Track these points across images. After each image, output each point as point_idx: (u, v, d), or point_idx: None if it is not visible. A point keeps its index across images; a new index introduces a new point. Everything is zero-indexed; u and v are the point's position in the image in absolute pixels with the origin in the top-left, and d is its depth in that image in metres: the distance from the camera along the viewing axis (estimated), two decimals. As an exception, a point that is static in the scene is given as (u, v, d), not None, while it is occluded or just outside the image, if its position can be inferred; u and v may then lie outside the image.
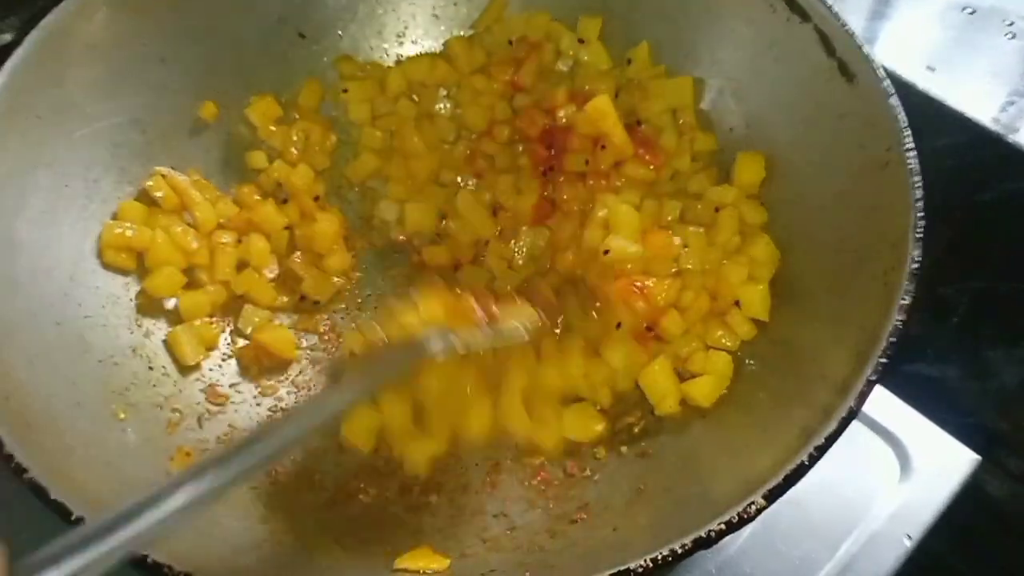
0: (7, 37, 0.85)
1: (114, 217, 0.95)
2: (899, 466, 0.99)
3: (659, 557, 0.64)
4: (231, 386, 0.96)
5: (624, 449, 0.90)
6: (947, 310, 1.17)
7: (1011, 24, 1.13)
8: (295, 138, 1.06)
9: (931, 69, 1.09)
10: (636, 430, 0.91)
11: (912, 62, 1.11)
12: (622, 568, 0.63)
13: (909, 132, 0.81)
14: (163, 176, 0.98)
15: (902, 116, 0.82)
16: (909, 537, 0.94)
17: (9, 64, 0.84)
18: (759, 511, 0.66)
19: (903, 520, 0.95)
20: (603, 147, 1.00)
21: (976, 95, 1.09)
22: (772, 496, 0.66)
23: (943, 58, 1.12)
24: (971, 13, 1.14)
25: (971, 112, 1.07)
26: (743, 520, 0.65)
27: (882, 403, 1.01)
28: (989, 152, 1.07)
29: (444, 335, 0.79)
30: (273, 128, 1.06)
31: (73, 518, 0.65)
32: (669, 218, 0.98)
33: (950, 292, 1.15)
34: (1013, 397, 1.15)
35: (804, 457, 0.67)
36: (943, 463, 0.99)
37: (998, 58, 1.12)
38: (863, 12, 1.19)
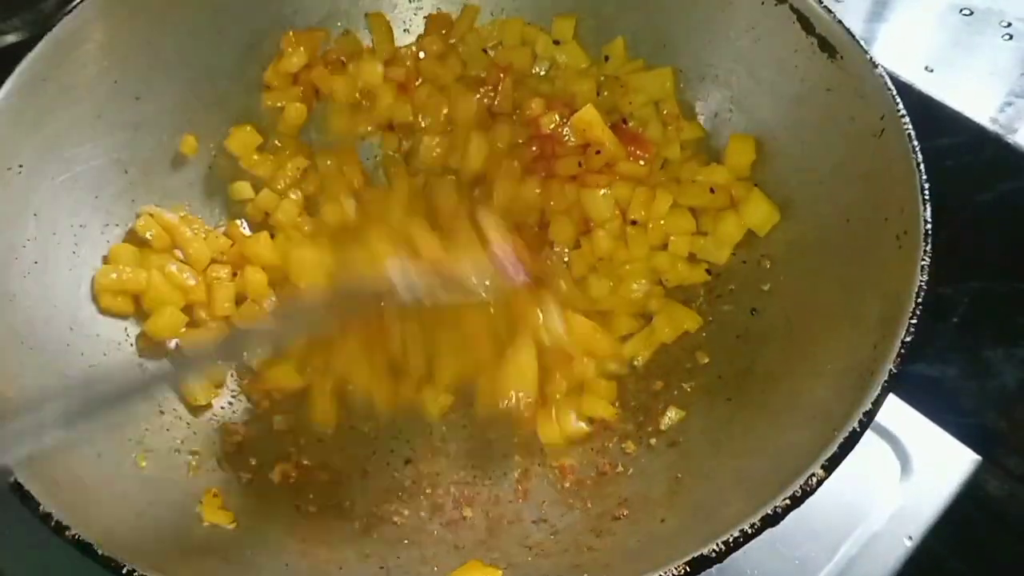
0: (11, 38, 0.82)
1: (105, 261, 0.92)
2: (899, 466, 0.99)
3: (730, 539, 0.64)
4: (244, 423, 0.93)
5: (653, 441, 0.90)
6: (947, 310, 1.17)
7: (1008, 25, 1.15)
8: (287, 169, 1.04)
9: (929, 70, 1.10)
10: (661, 421, 0.91)
11: (910, 63, 1.12)
12: (696, 555, 0.63)
13: (899, 99, 0.83)
14: (151, 215, 0.95)
15: (890, 83, 0.84)
16: (910, 538, 0.94)
17: (-9, 113, 0.82)
18: (820, 482, 0.66)
19: (903, 520, 0.96)
20: (598, 152, 1.00)
21: (974, 96, 1.10)
22: (831, 465, 0.66)
23: (941, 59, 1.13)
24: (968, 14, 1.16)
25: (970, 113, 1.08)
26: (807, 492, 0.65)
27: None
28: (988, 152, 1.08)
29: (409, 279, 0.82)
30: (255, 157, 1.04)
31: (124, 571, 0.63)
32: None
33: (949, 292, 1.16)
34: (1013, 397, 1.16)
35: (855, 423, 0.68)
36: (943, 463, 0.99)
37: (996, 59, 1.14)
38: (861, 14, 1.21)
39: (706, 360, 0.94)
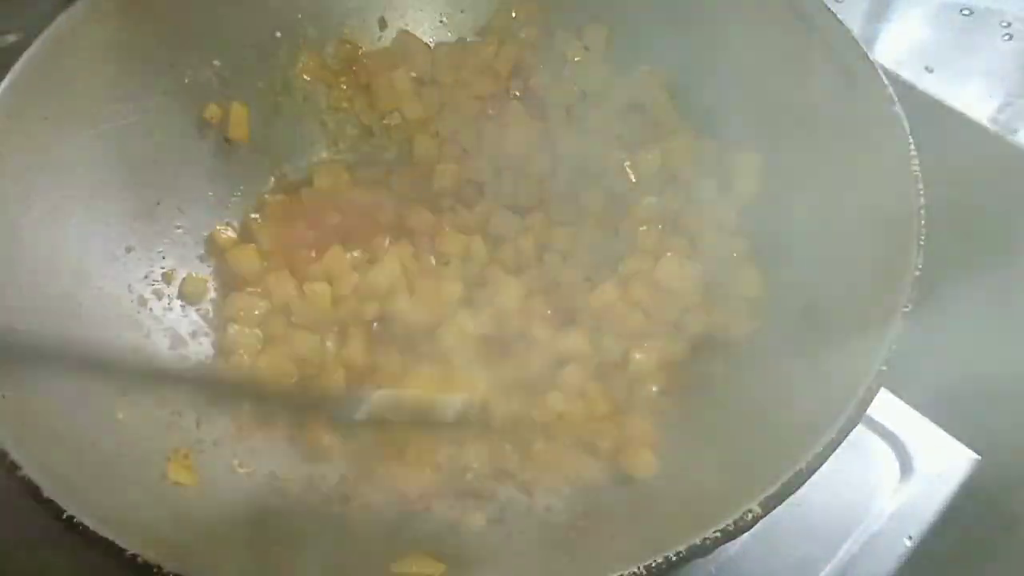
0: (11, 38, 0.85)
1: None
2: (899, 466, 0.99)
3: (653, 564, 0.63)
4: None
5: (625, 459, 0.90)
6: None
7: (1008, 25, 1.14)
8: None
9: (929, 70, 1.10)
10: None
11: (910, 63, 1.12)
12: (613, 576, 0.63)
13: (912, 141, 0.81)
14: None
15: (906, 124, 0.82)
16: (910, 537, 0.94)
17: (18, 64, 0.85)
18: (755, 519, 0.65)
19: (903, 520, 0.96)
20: None
21: (974, 96, 1.10)
22: (769, 505, 0.65)
23: (941, 59, 1.13)
24: (968, 14, 1.15)
25: (969, 113, 1.08)
26: (739, 528, 0.64)
27: (882, 403, 1.00)
28: (987, 153, 1.07)
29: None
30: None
31: (64, 516, 0.65)
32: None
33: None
34: (1013, 397, 1.12)
35: (802, 464, 0.66)
36: (943, 463, 1.00)
37: (996, 59, 1.13)
38: (861, 14, 1.20)
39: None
